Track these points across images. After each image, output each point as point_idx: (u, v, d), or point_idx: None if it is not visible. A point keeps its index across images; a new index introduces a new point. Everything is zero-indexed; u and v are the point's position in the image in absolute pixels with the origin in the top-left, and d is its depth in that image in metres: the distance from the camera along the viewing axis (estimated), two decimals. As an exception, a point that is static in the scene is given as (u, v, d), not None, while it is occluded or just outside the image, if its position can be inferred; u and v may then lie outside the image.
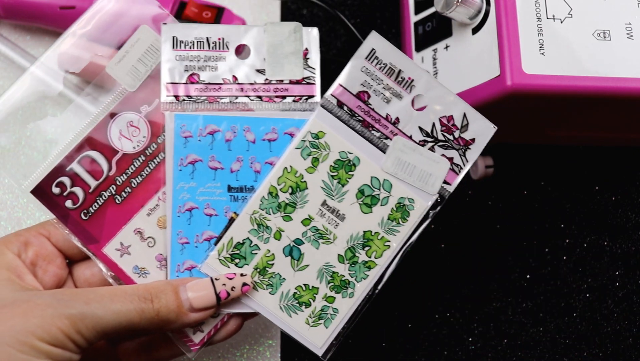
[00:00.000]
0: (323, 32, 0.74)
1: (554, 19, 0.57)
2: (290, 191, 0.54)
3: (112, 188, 0.54)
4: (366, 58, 0.54)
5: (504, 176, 0.72)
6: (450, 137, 0.54)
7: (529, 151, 0.73)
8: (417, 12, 0.67)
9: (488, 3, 0.58)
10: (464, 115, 0.54)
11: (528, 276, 0.70)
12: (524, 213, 0.72)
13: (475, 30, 0.59)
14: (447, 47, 0.62)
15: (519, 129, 0.66)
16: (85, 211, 0.53)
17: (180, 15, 0.66)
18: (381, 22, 0.75)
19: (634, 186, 0.73)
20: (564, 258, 0.71)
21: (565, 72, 0.56)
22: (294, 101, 0.55)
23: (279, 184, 0.54)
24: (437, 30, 0.64)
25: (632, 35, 0.58)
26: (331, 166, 0.54)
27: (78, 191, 0.53)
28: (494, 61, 0.57)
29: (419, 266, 0.70)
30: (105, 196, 0.53)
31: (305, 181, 0.54)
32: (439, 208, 0.54)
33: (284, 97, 0.55)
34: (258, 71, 0.55)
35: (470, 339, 0.69)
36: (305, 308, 0.54)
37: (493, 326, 0.70)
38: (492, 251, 0.71)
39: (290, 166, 0.54)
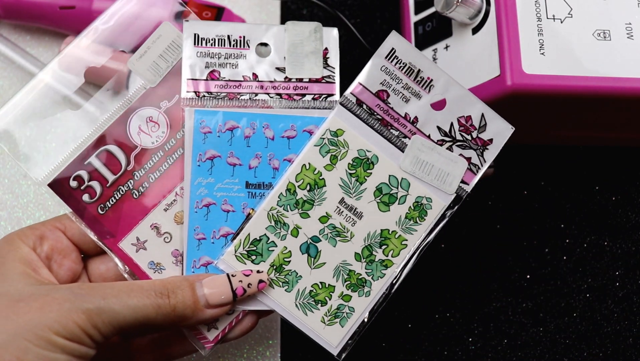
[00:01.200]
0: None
1: (554, 19, 0.58)
2: (308, 188, 0.54)
3: (130, 183, 0.53)
4: (386, 57, 0.54)
5: (504, 176, 0.72)
6: (468, 137, 0.55)
7: (529, 151, 0.73)
8: (417, 12, 0.67)
9: (488, 3, 0.58)
10: (482, 115, 0.55)
11: (528, 276, 0.71)
12: (524, 213, 0.72)
13: (475, 30, 0.60)
14: (447, 47, 0.63)
15: (519, 129, 0.66)
16: (102, 205, 0.53)
17: (181, 14, 0.66)
18: (381, 22, 0.76)
19: (634, 186, 0.73)
20: (564, 258, 0.71)
21: (565, 72, 0.57)
22: (313, 98, 0.55)
23: (297, 181, 0.54)
24: (437, 30, 0.64)
25: (632, 35, 0.58)
26: (349, 163, 0.54)
27: (95, 185, 0.53)
28: (494, 61, 0.57)
29: (419, 266, 0.69)
30: (122, 191, 0.53)
31: (323, 179, 0.54)
32: (456, 208, 0.55)
33: (303, 95, 0.55)
34: (278, 69, 0.55)
35: (470, 339, 0.70)
36: (321, 306, 0.54)
37: (493, 326, 0.70)
38: (492, 251, 0.71)
39: (309, 163, 0.54)
